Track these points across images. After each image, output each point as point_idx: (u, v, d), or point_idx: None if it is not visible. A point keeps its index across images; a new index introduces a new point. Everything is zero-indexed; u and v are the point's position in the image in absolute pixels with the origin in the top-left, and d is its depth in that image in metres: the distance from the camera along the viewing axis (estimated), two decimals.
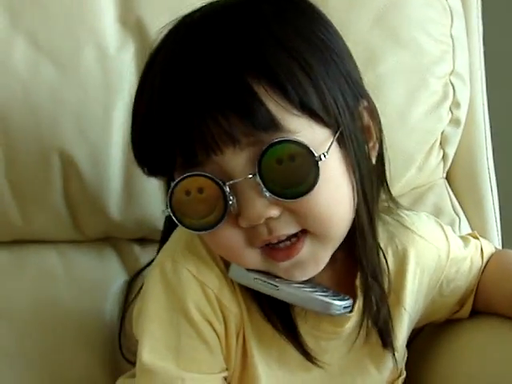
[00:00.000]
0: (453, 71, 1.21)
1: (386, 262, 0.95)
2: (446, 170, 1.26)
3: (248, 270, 0.89)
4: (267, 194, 0.83)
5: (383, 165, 0.96)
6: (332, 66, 0.86)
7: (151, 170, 0.91)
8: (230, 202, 0.84)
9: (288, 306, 0.93)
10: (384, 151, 0.95)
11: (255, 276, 0.89)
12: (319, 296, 0.90)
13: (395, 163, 1.00)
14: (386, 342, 0.97)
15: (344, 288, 0.94)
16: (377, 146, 0.92)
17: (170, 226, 0.97)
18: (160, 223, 1.03)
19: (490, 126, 1.28)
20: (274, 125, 0.82)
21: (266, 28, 0.85)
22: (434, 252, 1.00)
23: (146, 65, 0.91)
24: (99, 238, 1.20)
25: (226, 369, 0.94)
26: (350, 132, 0.87)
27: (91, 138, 1.13)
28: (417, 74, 1.19)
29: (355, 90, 0.89)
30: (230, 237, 0.86)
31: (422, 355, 1.07)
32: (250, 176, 0.83)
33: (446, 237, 1.02)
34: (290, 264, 0.88)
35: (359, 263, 0.92)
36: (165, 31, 0.90)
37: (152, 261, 0.97)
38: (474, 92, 1.26)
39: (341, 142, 0.86)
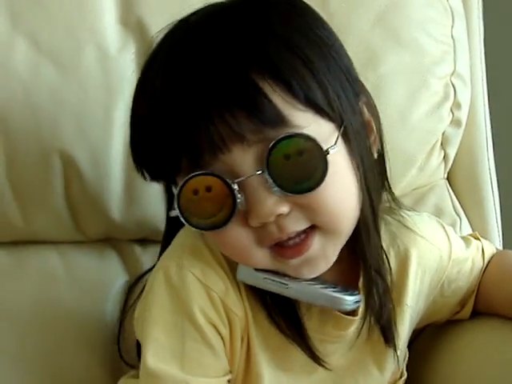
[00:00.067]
0: (454, 72, 1.21)
1: (388, 262, 0.95)
2: (447, 170, 1.26)
3: (256, 270, 0.89)
4: (276, 190, 0.83)
5: (384, 161, 0.96)
6: (332, 62, 0.87)
7: (153, 173, 0.90)
8: (239, 200, 0.84)
9: (295, 310, 0.92)
10: (384, 150, 0.95)
11: (264, 276, 0.89)
12: (330, 292, 0.90)
13: (396, 164, 1.00)
14: (389, 338, 0.96)
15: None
16: (377, 140, 0.93)
17: (172, 229, 0.96)
18: (161, 224, 1.03)
19: (491, 127, 1.28)
20: (281, 120, 0.82)
21: (267, 25, 0.85)
22: (436, 253, 1.00)
23: (145, 64, 0.90)
24: (100, 238, 1.20)
25: (230, 372, 0.93)
26: (353, 126, 0.87)
27: (92, 138, 1.13)
28: (418, 75, 1.19)
29: (355, 86, 0.89)
30: (238, 236, 0.86)
31: (423, 356, 1.07)
32: (259, 172, 0.83)
33: (448, 237, 1.02)
34: (299, 261, 0.88)
35: (362, 260, 0.92)
36: (164, 31, 0.90)
37: (153, 266, 0.96)
38: (474, 93, 1.26)
39: (345, 136, 0.86)
